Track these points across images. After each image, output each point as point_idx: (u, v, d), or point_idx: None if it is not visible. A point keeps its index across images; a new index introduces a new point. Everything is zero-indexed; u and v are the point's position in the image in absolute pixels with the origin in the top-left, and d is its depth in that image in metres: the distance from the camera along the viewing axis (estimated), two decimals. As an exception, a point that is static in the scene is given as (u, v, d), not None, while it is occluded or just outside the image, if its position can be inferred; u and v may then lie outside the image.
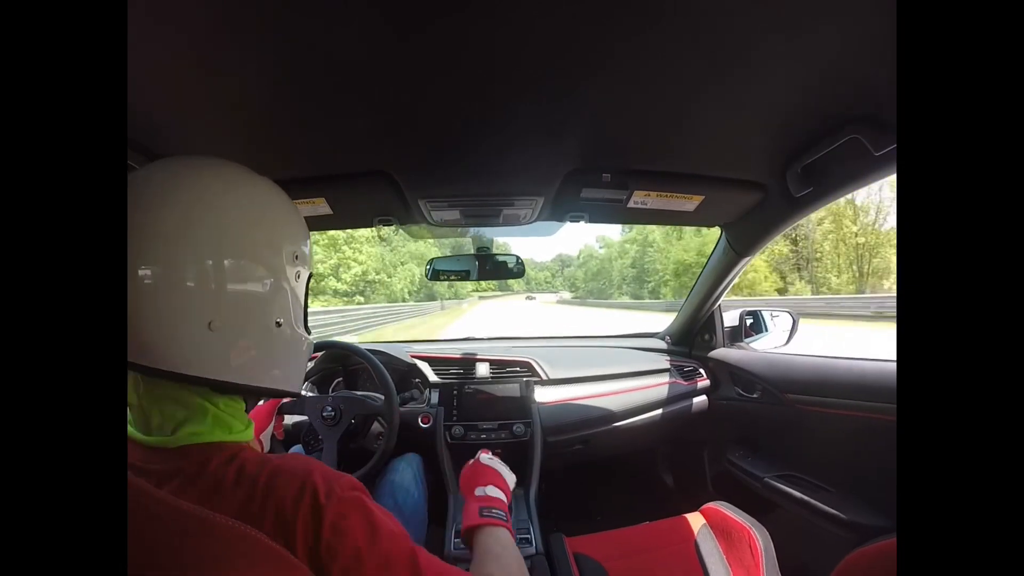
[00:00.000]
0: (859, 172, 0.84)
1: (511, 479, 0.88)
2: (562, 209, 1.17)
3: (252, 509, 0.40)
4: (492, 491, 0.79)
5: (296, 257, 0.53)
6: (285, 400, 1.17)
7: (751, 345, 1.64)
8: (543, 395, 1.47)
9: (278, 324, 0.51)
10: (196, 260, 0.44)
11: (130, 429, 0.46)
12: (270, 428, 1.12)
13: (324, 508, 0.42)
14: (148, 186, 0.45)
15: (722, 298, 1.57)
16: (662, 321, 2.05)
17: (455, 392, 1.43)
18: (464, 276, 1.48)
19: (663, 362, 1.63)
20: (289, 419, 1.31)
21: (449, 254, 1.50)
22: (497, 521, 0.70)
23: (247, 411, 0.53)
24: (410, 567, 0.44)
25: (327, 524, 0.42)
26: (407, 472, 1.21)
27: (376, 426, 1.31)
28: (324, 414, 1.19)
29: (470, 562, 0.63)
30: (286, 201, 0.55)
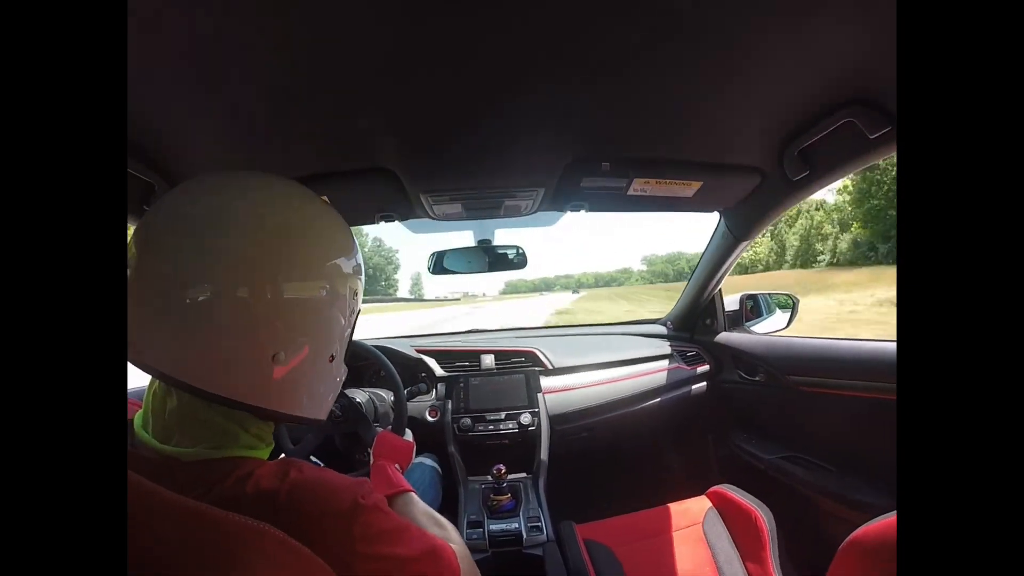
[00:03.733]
0: (855, 155, 0.84)
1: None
2: (562, 199, 1.17)
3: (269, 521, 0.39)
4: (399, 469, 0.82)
5: (356, 293, 0.52)
6: None
7: (752, 329, 1.65)
8: (548, 384, 1.48)
9: (332, 358, 0.50)
10: (270, 288, 0.42)
11: (145, 434, 0.44)
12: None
13: (352, 521, 0.42)
14: (223, 205, 0.43)
15: (722, 282, 1.58)
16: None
17: (462, 384, 1.44)
18: (468, 270, 1.47)
19: (666, 348, 1.65)
20: None
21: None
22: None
23: (274, 433, 0.52)
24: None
25: (357, 535, 0.42)
26: (423, 478, 1.19)
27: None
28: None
29: (482, 552, 0.64)
30: (349, 232, 0.53)
